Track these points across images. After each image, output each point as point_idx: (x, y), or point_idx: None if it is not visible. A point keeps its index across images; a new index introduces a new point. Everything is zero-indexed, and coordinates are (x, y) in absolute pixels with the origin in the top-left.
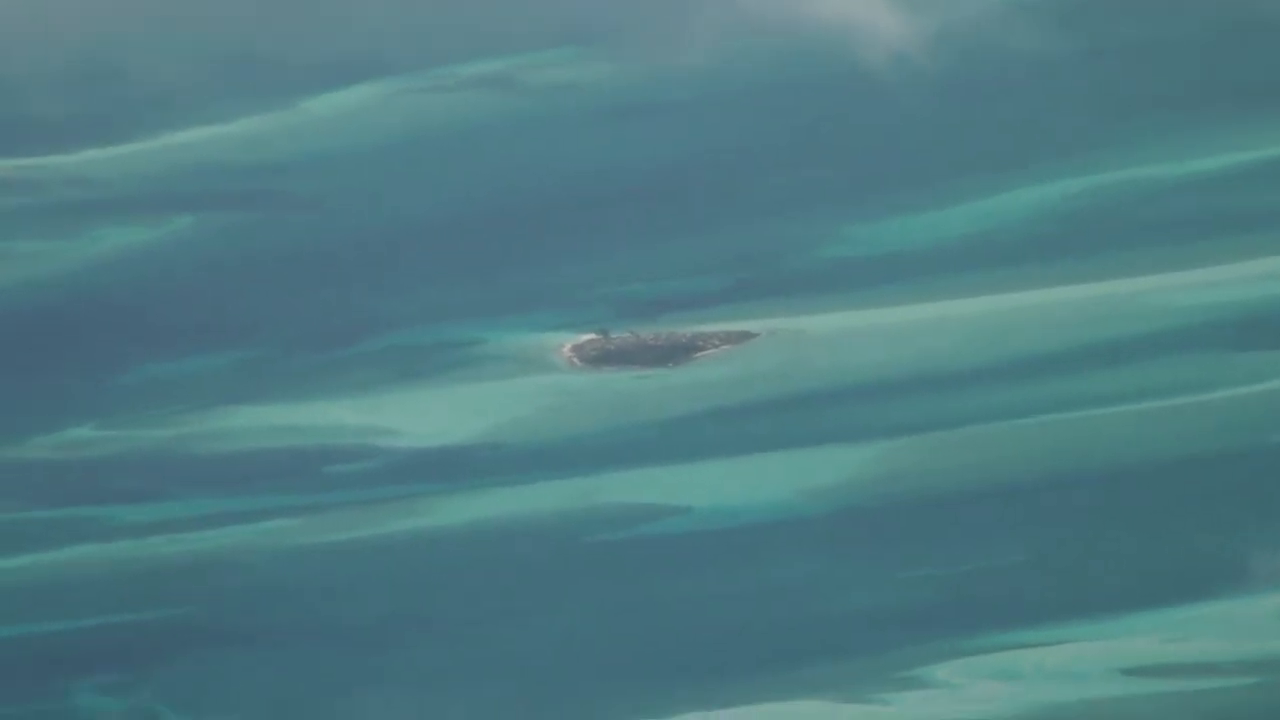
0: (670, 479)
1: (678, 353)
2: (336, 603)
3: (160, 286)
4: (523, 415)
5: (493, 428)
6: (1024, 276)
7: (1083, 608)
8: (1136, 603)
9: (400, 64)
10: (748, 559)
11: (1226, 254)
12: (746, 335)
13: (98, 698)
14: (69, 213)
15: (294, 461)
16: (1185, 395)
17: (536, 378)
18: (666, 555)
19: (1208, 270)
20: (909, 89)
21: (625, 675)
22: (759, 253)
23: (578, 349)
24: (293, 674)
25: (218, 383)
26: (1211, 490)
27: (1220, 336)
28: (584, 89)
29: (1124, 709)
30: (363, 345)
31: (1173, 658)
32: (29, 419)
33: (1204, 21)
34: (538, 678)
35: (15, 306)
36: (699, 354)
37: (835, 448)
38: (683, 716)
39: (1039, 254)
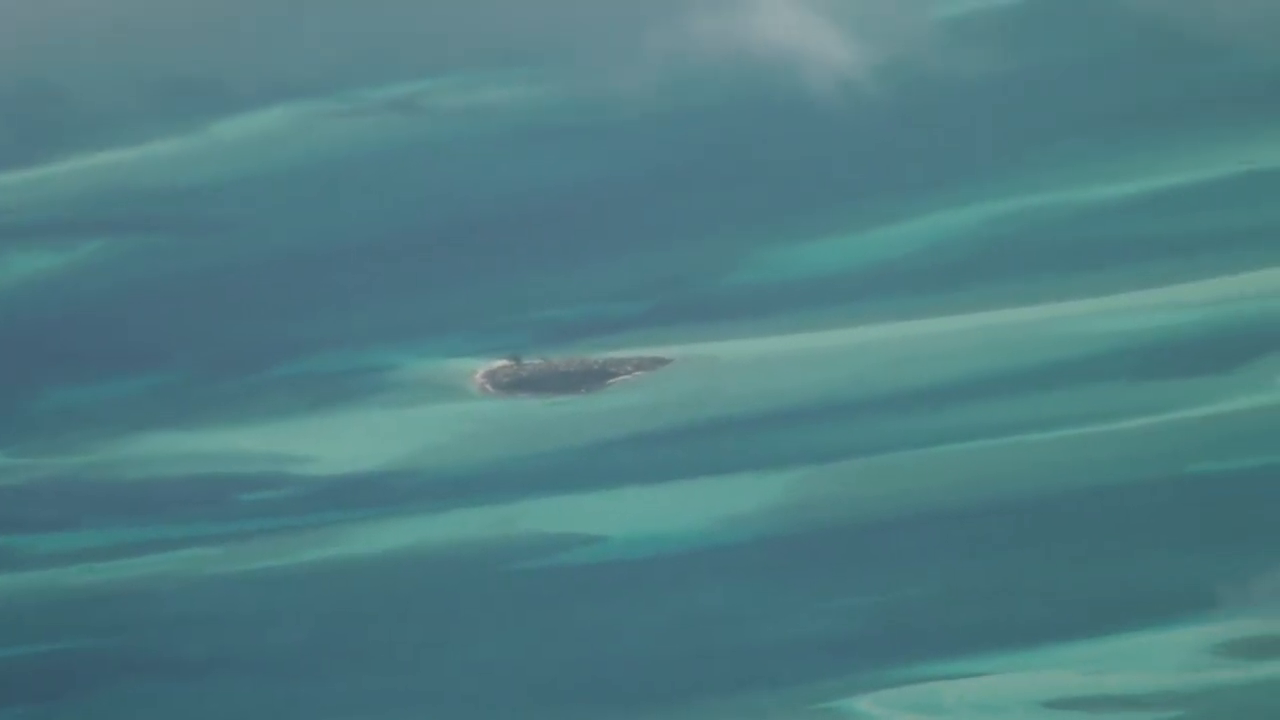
0: (587, 507)
1: (591, 379)
2: (254, 632)
3: (70, 312)
4: (436, 442)
5: (407, 455)
6: (938, 302)
7: (1004, 639)
8: (1057, 634)
9: (310, 87)
10: (666, 588)
11: (1143, 280)
12: (660, 361)
13: None
14: None
15: (208, 489)
16: (1101, 424)
17: (449, 404)
18: (584, 584)
19: (1124, 296)
20: (822, 112)
21: (545, 704)
22: (671, 278)
23: (490, 375)
24: (211, 704)
25: (129, 409)
26: (1129, 520)
27: (1136, 364)
28: (494, 113)
29: None
30: (274, 371)
31: (1095, 690)
32: None
33: (1125, 44)
34: (457, 707)
35: None
36: (612, 380)
37: (752, 475)
38: None
39: (953, 279)
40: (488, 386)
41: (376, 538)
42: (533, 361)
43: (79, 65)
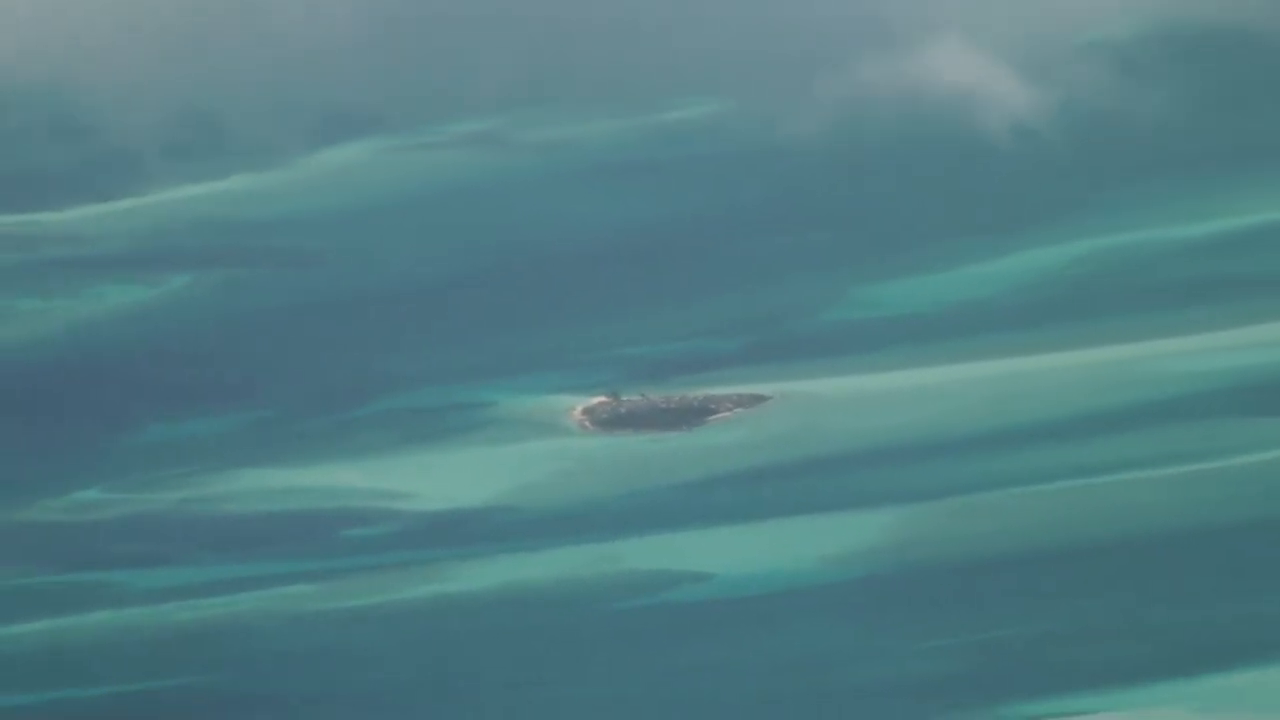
0: (689, 545)
1: (690, 416)
2: (355, 670)
3: (162, 346)
4: (536, 479)
5: (506, 491)
6: (1034, 340)
7: (1105, 679)
8: (1160, 673)
9: (393, 121)
10: (771, 626)
11: (1229, 319)
12: (758, 398)
13: None
14: (65, 270)
15: (306, 526)
16: (1200, 462)
17: (548, 441)
18: (689, 622)
19: (1220, 334)
20: (912, 152)
21: None
22: (766, 315)
23: (589, 412)
24: None
25: (224, 445)
26: (1230, 559)
27: (1233, 401)
28: (579, 146)
29: None
30: (369, 407)
31: None
32: (35, 481)
33: (1200, 86)
34: None
35: (18, 366)
36: (711, 417)
37: (853, 514)
38: None
39: (1049, 317)
40: (587, 423)
41: (479, 575)
42: (631, 398)
43: (167, 99)
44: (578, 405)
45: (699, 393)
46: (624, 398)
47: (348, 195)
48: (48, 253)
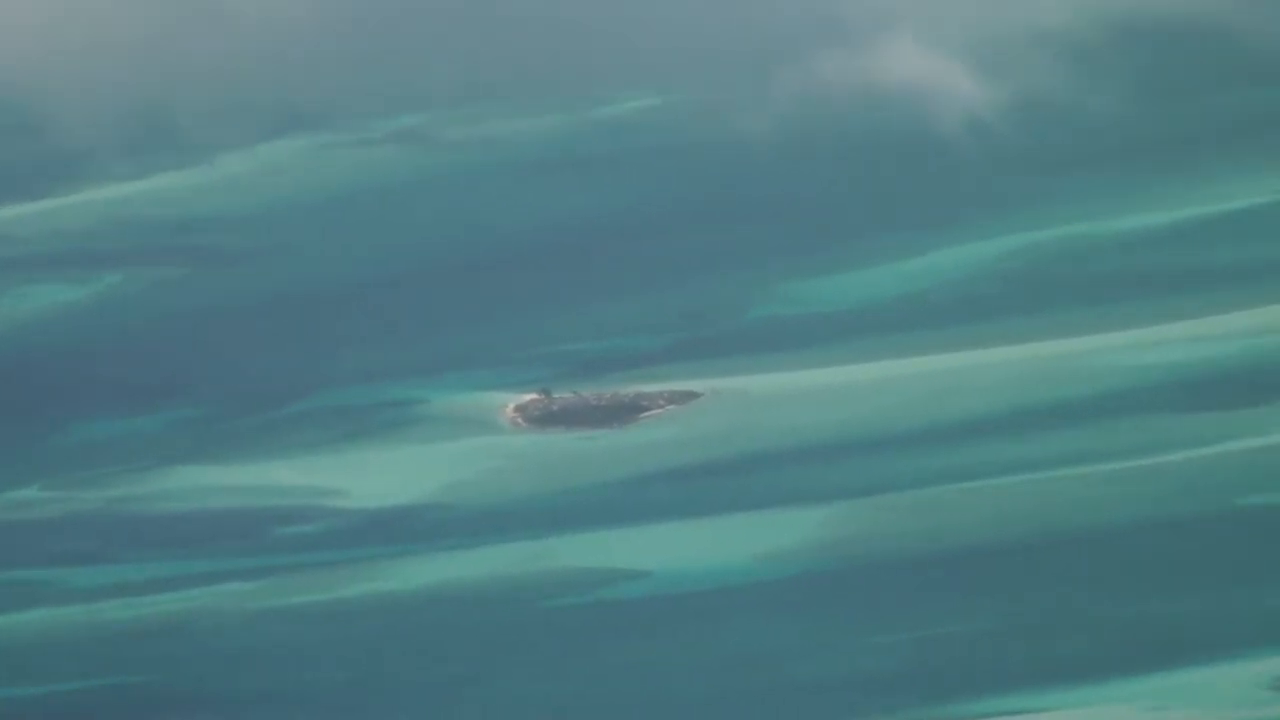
0: (625, 542)
1: (622, 413)
2: (292, 668)
3: (92, 345)
4: (468, 477)
5: (441, 489)
6: (966, 336)
7: (1049, 676)
8: (1105, 671)
9: (318, 119)
10: (710, 624)
11: (1180, 312)
12: (690, 395)
13: None
14: None
15: (241, 524)
16: (1143, 457)
17: (481, 439)
18: (627, 619)
19: (1161, 328)
20: (845, 146)
21: None
22: (696, 311)
23: (521, 409)
24: None
25: (159, 443)
26: (1176, 554)
27: (1175, 397)
28: (506, 143)
29: None
30: (302, 404)
31: None
32: None
33: (1140, 77)
34: None
35: None
36: (643, 414)
37: (788, 510)
38: None
39: (978, 313)
40: (519, 421)
41: (413, 573)
42: (563, 395)
43: (89, 98)
44: (510, 403)
45: (631, 390)
46: (556, 395)
47: (277, 193)
48: None
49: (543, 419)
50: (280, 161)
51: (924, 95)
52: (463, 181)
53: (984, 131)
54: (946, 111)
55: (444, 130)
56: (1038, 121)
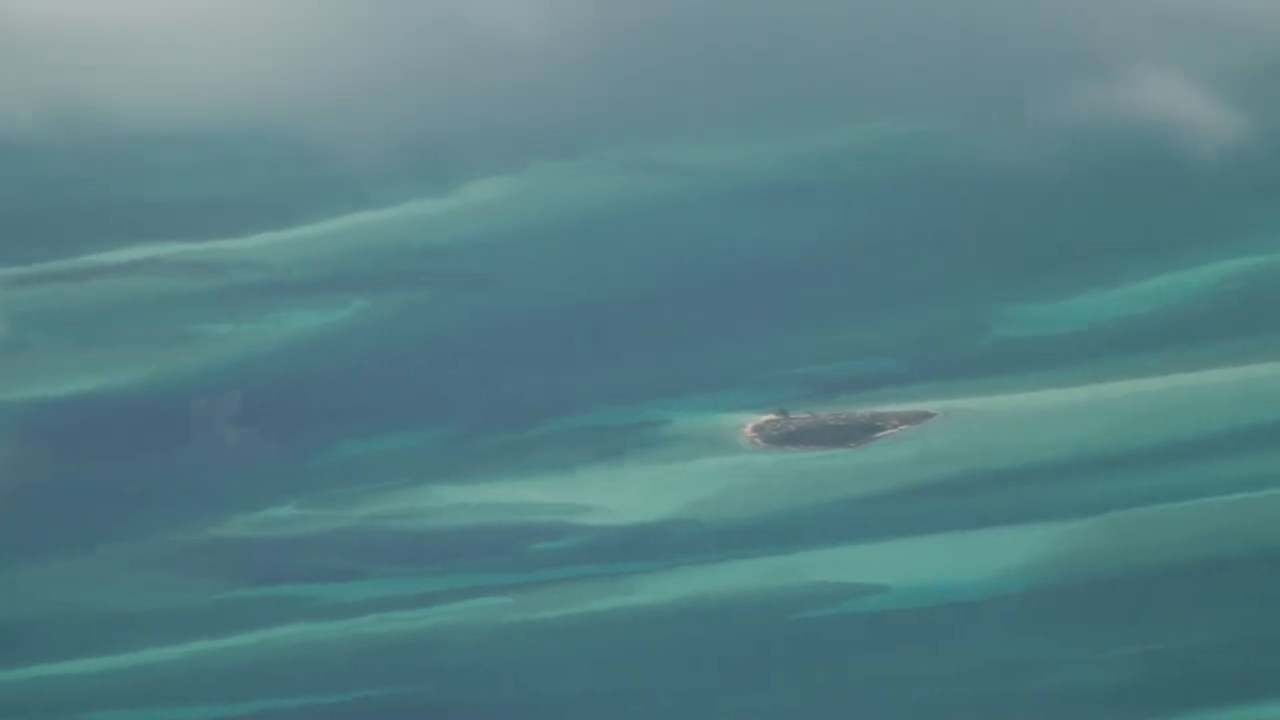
0: (864, 558)
1: (857, 433)
2: (546, 680)
3: (345, 368)
4: (712, 494)
5: (685, 506)
6: (1183, 358)
7: (1272, 689)
8: None
9: (563, 148)
10: (947, 636)
11: None
12: (923, 415)
13: None
14: (249, 296)
15: (495, 540)
16: None
17: (722, 458)
18: (869, 632)
19: None
20: (1066, 174)
21: None
22: (930, 334)
23: (760, 429)
24: None
25: (412, 462)
26: None
27: None
28: (747, 170)
29: None
30: (549, 425)
31: None
32: (230, 498)
33: None
34: None
35: (209, 388)
36: (878, 434)
37: (1019, 528)
38: None
39: (1196, 335)
40: (758, 440)
41: (663, 587)
42: (800, 416)
43: (336, 129)
44: (749, 423)
45: (865, 410)
46: (793, 415)
47: (523, 219)
48: (235, 279)
49: (781, 439)
50: (526, 189)
51: (1159, 124)
52: (704, 207)
53: (1205, 159)
54: (1173, 140)
55: (685, 157)
56: (1258, 147)
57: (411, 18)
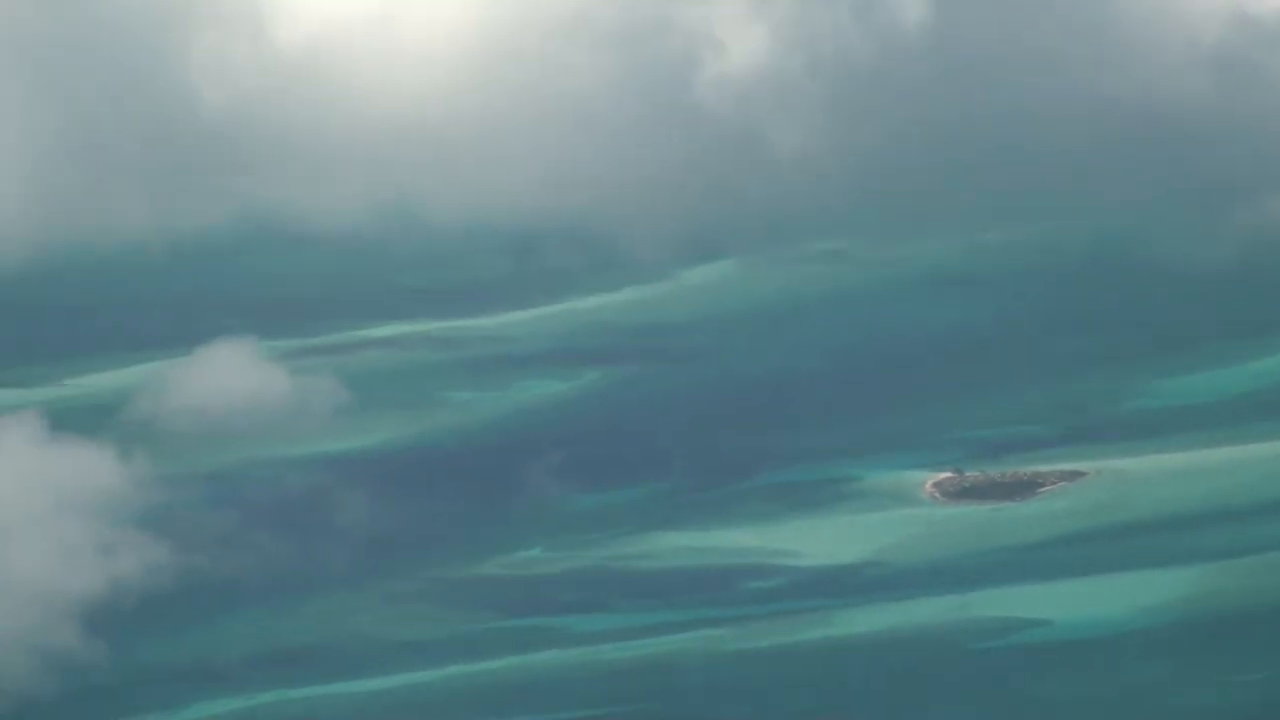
0: (1029, 597)
1: (1021, 489)
2: (757, 700)
3: (580, 430)
4: (897, 541)
5: (874, 551)
6: None
7: None
8: None
9: (764, 241)
10: (1104, 665)
11: None
12: (1078, 474)
13: None
14: (493, 366)
15: (712, 578)
16: None
17: (905, 510)
18: (1034, 660)
19: None
20: (1206, 267)
21: None
22: (1082, 404)
23: (938, 485)
24: None
25: (639, 511)
26: None
27: None
28: (917, 261)
29: None
30: (757, 480)
31: None
32: (485, 542)
33: None
34: None
35: (456, 447)
36: (1040, 490)
37: (1163, 570)
38: None
39: None
40: (936, 495)
41: (855, 620)
42: (973, 474)
43: (566, 226)
44: (928, 479)
45: (1028, 469)
46: (967, 473)
47: (730, 301)
48: (480, 351)
49: (956, 494)
50: (736, 274)
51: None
52: (890, 293)
53: None
54: None
55: (856, 251)
56: None
57: (654, 129)
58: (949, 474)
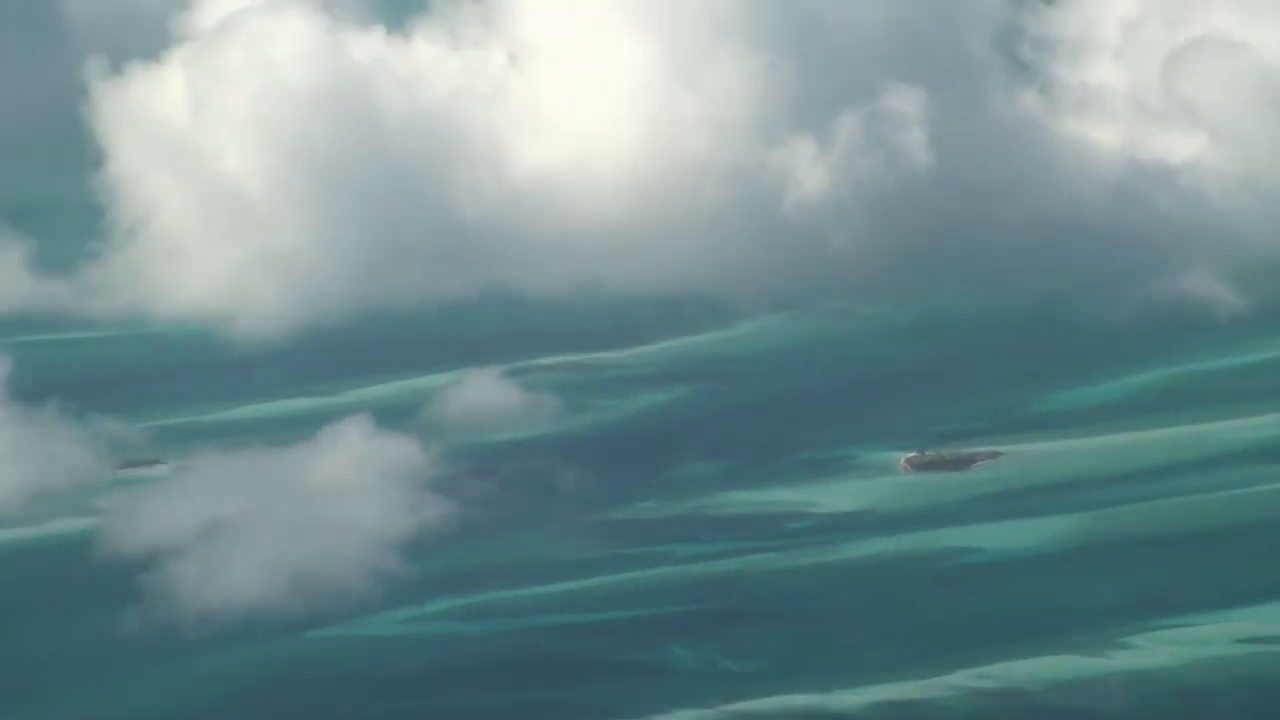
0: (971, 534)
1: (962, 463)
2: (800, 601)
3: (678, 425)
4: (883, 498)
5: (868, 504)
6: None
7: None
8: None
9: (790, 303)
10: (1021, 579)
11: None
12: (998, 454)
13: None
14: (621, 384)
15: (765, 521)
16: None
17: (887, 477)
18: (976, 575)
19: None
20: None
21: None
22: (1001, 408)
23: (909, 461)
24: None
25: (716, 478)
26: None
27: None
28: (892, 316)
29: None
30: (790, 458)
31: None
32: (618, 497)
33: None
34: None
35: (600, 435)
36: (975, 464)
37: (1060, 516)
38: None
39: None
40: (908, 467)
41: (857, 549)
42: (931, 454)
43: (675, 288)
44: (902, 457)
45: (967, 450)
46: (927, 453)
47: (769, 343)
48: (612, 374)
49: (921, 467)
50: (772, 325)
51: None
52: (871, 337)
53: None
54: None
55: (861, 308)
56: None
57: (733, 228)
58: (915, 454)
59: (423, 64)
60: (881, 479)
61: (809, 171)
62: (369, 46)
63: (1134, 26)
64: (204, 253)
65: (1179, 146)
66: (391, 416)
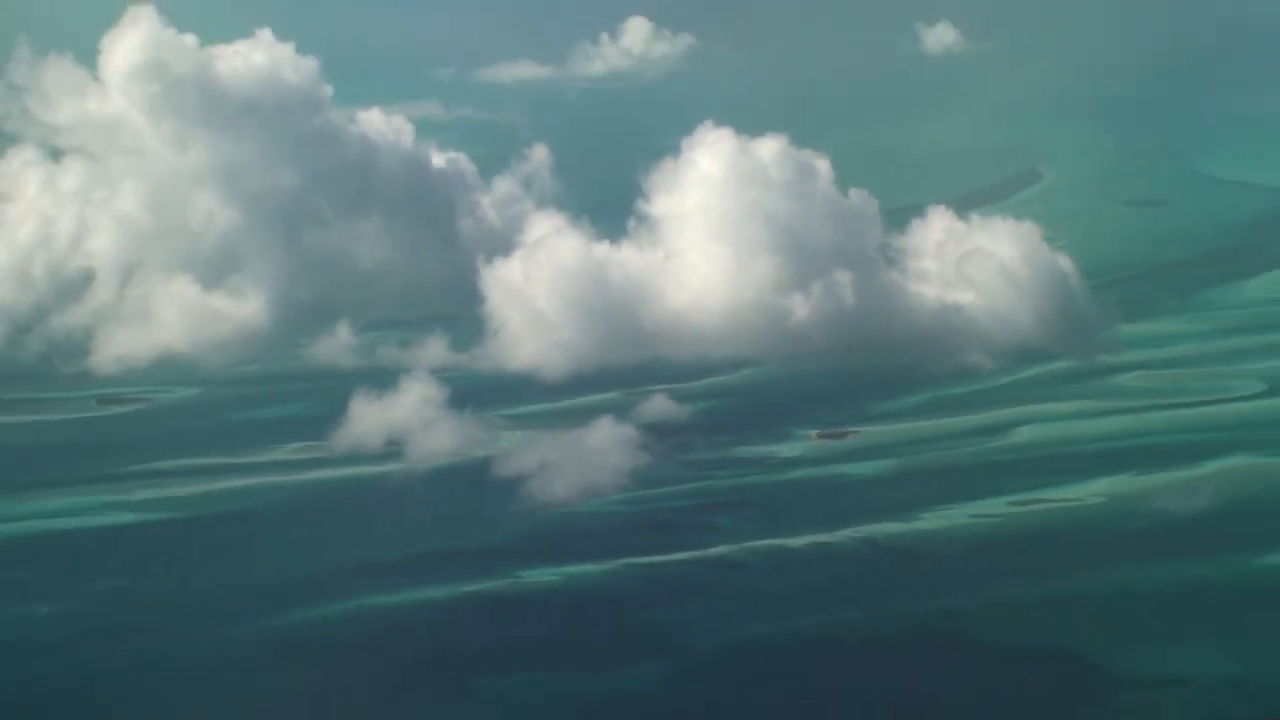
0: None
1: (841, 435)
2: (790, 504)
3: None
4: (813, 454)
5: (811, 456)
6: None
7: None
8: None
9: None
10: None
11: None
12: (854, 432)
13: None
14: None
15: (764, 460)
16: None
17: (818, 444)
18: (857, 492)
19: None
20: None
21: None
22: (859, 408)
23: (821, 435)
24: None
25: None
26: None
27: None
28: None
29: None
30: (787, 431)
31: None
32: (685, 467)
33: None
34: None
35: (696, 421)
36: (846, 435)
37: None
38: None
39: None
40: (817, 438)
41: (800, 474)
42: (832, 430)
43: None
44: (817, 432)
45: (845, 429)
46: (830, 430)
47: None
48: (704, 392)
49: (829, 438)
50: (766, 370)
51: None
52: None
53: None
54: None
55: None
56: None
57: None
58: (820, 431)
59: (628, 259)
60: (805, 443)
61: (800, 307)
62: (619, 255)
63: (943, 244)
64: None
65: (961, 297)
66: (613, 411)
